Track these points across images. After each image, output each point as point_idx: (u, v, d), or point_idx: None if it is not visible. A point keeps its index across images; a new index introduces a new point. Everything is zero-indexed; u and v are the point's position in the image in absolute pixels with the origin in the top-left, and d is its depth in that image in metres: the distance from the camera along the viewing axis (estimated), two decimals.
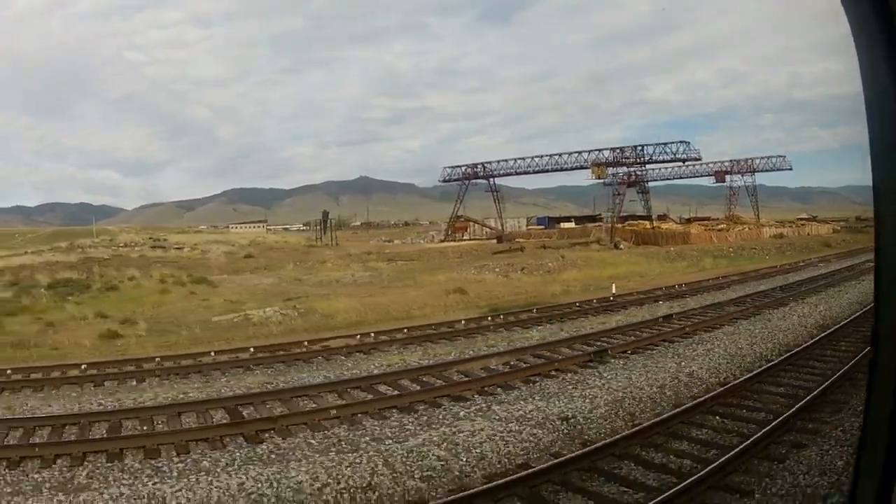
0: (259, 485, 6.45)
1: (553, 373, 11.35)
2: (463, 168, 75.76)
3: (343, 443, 7.92)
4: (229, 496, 6.25)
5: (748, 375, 10.33)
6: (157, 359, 13.84)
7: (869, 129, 1.37)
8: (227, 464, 7.34)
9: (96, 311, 23.55)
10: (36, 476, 7.20)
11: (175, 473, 7.07)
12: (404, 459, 7.04)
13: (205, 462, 7.42)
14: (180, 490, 6.37)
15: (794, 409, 8.17)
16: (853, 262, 31.48)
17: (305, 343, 15.60)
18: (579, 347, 13.59)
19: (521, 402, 9.23)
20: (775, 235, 61.91)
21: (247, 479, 6.58)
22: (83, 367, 13.27)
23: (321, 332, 17.92)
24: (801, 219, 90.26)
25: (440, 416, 8.99)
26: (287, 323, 20.93)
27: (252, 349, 14.89)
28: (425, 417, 8.96)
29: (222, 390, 11.26)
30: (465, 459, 7.11)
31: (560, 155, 66.12)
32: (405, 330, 16.95)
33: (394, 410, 9.48)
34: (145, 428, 8.98)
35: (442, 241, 73.72)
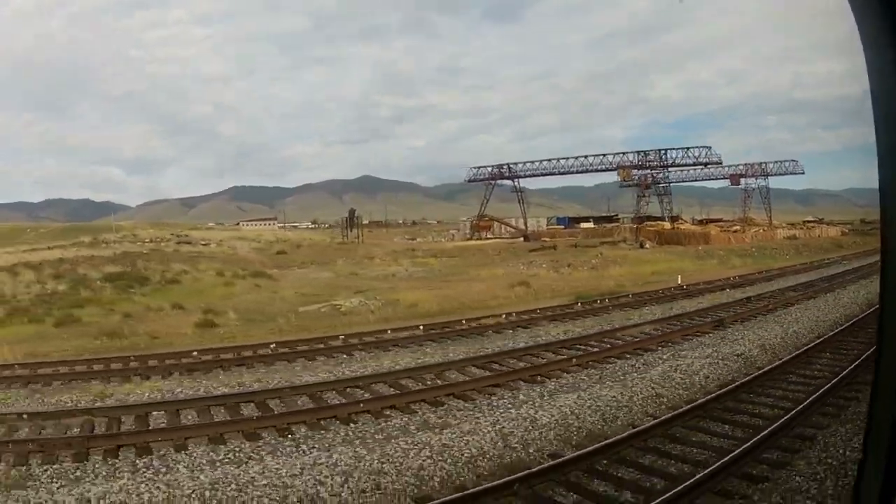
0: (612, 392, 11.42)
1: (697, 334, 16.11)
2: (489, 168, 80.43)
3: (602, 377, 12.05)
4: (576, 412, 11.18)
5: (833, 332, 15.31)
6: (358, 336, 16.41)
7: (876, 130, 1.36)
8: (536, 395, 12.26)
9: (171, 303, 24.41)
10: (396, 422, 9.47)
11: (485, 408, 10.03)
12: (660, 381, 11.42)
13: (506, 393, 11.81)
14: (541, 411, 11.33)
15: (871, 350, 13.17)
16: (874, 260, 36.51)
17: (463, 321, 18.80)
18: (699, 319, 18.54)
19: (701, 349, 13.97)
20: (789, 237, 67.02)
21: (580, 396, 11.57)
22: (272, 346, 15.33)
23: (423, 319, 19.46)
24: (809, 221, 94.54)
25: (658, 357, 13.28)
26: (378, 312, 22.41)
27: (421, 327, 17.85)
28: (642, 360, 13.23)
29: (449, 355, 14.10)
30: (701, 375, 11.80)
31: (586, 157, 71.28)
32: (537, 310, 21.56)
33: (614, 359, 13.26)
34: (419, 384, 11.72)
35: (468, 239, 78.11)
